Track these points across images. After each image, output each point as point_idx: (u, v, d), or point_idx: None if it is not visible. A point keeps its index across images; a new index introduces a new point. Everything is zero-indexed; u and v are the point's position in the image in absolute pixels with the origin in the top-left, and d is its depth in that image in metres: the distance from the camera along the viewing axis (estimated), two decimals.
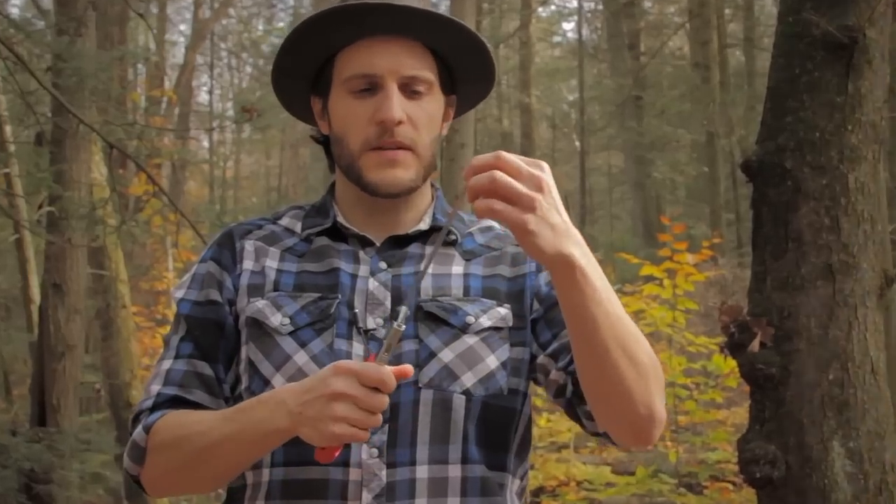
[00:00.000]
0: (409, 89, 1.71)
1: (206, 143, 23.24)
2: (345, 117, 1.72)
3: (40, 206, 7.47)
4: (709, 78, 20.80)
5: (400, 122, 1.68)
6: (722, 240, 17.54)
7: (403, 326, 1.48)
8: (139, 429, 1.67)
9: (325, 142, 1.82)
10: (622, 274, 14.75)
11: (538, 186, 1.43)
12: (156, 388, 1.70)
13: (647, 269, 8.69)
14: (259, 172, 31.19)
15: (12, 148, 8.04)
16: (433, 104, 1.75)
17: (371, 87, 1.70)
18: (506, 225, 1.43)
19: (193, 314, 1.74)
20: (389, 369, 1.45)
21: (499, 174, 1.41)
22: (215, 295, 1.74)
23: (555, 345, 1.71)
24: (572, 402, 1.69)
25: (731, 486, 7.77)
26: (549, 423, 9.65)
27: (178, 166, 17.18)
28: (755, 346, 4.08)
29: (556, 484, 8.03)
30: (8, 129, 8.24)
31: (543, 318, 1.74)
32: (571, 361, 1.64)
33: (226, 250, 1.78)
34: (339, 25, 1.70)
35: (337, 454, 1.51)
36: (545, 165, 1.46)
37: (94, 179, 8.13)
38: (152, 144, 9.01)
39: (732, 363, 4.46)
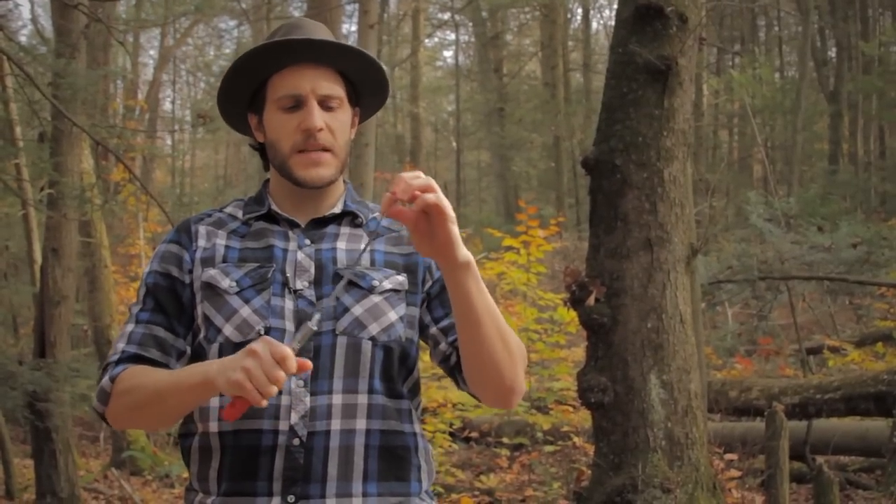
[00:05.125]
0: (326, 104, 1.72)
1: (169, 142, 22.92)
2: (277, 128, 1.72)
3: (42, 189, 7.46)
4: (556, 94, 21.45)
5: (320, 130, 1.69)
6: (565, 219, 17.92)
7: (315, 328, 1.48)
8: (106, 378, 1.67)
9: (260, 148, 1.82)
10: (488, 244, 14.56)
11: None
12: (121, 345, 1.70)
13: (508, 241, 8.68)
14: (210, 164, 31.64)
15: (21, 144, 7.95)
16: (344, 115, 1.75)
17: (297, 103, 1.71)
18: (436, 216, 1.45)
19: (157, 282, 1.73)
20: (293, 356, 1.43)
21: (431, 181, 1.46)
22: (175, 271, 1.73)
23: (445, 322, 1.73)
24: (454, 370, 1.72)
25: (571, 409, 7.70)
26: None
27: (147, 159, 17.19)
28: (591, 300, 4.16)
29: (436, 405, 7.82)
30: (18, 129, 8.19)
31: (438, 297, 1.76)
32: (458, 338, 1.65)
33: (184, 234, 1.77)
34: (272, 56, 1.72)
35: (239, 416, 1.46)
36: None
37: (83, 169, 8.06)
38: (128, 142, 9.21)
39: (573, 313, 4.54)
